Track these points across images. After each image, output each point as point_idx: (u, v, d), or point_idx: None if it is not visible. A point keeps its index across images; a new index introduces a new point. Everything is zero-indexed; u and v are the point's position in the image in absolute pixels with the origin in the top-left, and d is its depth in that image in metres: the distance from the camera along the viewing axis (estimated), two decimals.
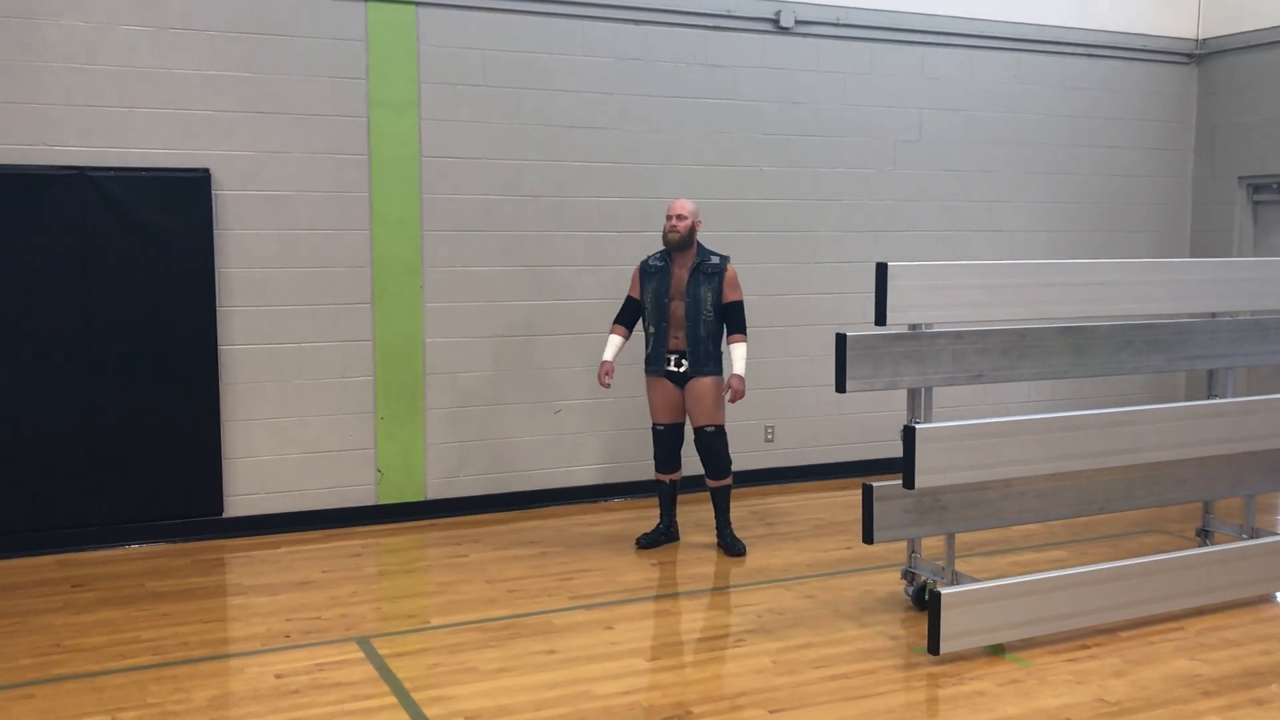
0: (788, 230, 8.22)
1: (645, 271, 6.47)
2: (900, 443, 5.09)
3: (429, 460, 7.29)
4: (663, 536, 6.66)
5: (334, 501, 7.10)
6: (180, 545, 6.64)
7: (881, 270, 5.02)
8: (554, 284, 7.55)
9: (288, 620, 5.36)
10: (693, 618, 5.42)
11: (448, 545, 6.73)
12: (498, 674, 4.72)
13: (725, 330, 6.41)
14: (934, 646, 4.85)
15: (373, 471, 7.17)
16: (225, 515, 6.85)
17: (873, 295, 8.33)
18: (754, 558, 6.42)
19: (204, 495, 6.75)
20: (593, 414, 7.64)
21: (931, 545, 5.90)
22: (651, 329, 6.44)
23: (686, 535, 6.83)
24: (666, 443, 6.54)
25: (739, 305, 6.39)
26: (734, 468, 8.07)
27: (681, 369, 6.38)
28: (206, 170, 6.64)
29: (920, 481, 4.85)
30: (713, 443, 6.42)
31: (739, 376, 6.33)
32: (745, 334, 6.40)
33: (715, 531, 6.68)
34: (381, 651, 4.97)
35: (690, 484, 7.13)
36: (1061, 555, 6.46)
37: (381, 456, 7.18)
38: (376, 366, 7.13)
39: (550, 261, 7.53)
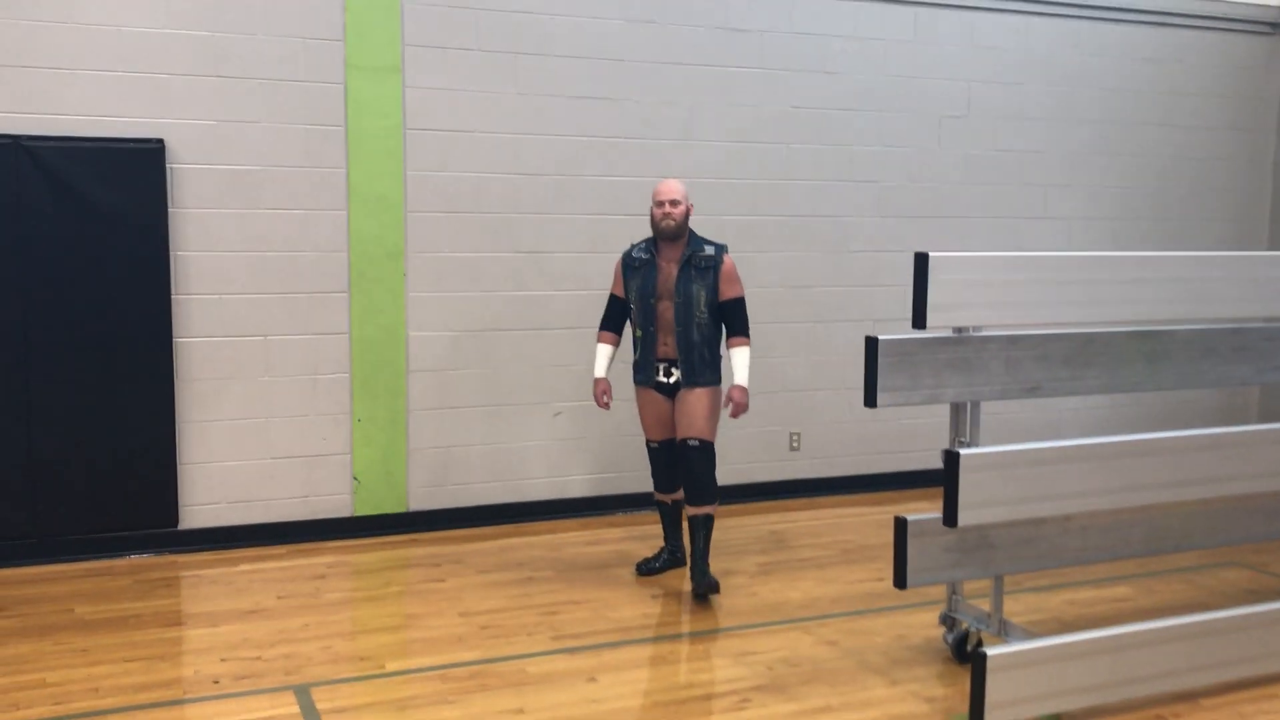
0: (818, 216, 7.38)
1: (628, 265, 5.56)
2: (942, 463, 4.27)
3: (411, 468, 6.54)
4: (666, 563, 5.85)
5: (304, 513, 6.37)
6: (130, 560, 5.94)
7: (921, 262, 4.20)
8: (552, 272, 6.76)
9: (222, 660, 4.63)
10: (692, 668, 4.63)
11: (425, 566, 5.97)
12: None
13: (724, 332, 5.54)
14: (977, 716, 4.02)
15: (348, 480, 6.43)
16: (181, 527, 6.13)
17: (912, 290, 7.54)
18: (770, 590, 5.61)
19: (157, 505, 6.04)
20: (594, 418, 6.83)
21: (977, 583, 5.05)
22: (638, 332, 5.55)
23: None
24: (664, 462, 5.69)
25: (740, 303, 5.49)
26: (754, 479, 7.38)
27: (672, 379, 5.51)
28: (160, 141, 5.91)
29: (964, 519, 4.02)
30: (696, 461, 5.45)
31: (741, 387, 5.43)
32: (748, 336, 5.52)
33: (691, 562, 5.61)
34: (320, 705, 4.21)
35: None
36: (1126, 592, 5.61)
37: (358, 463, 6.44)
38: (353, 362, 6.38)
39: (548, 247, 6.74)
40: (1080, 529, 4.67)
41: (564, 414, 6.85)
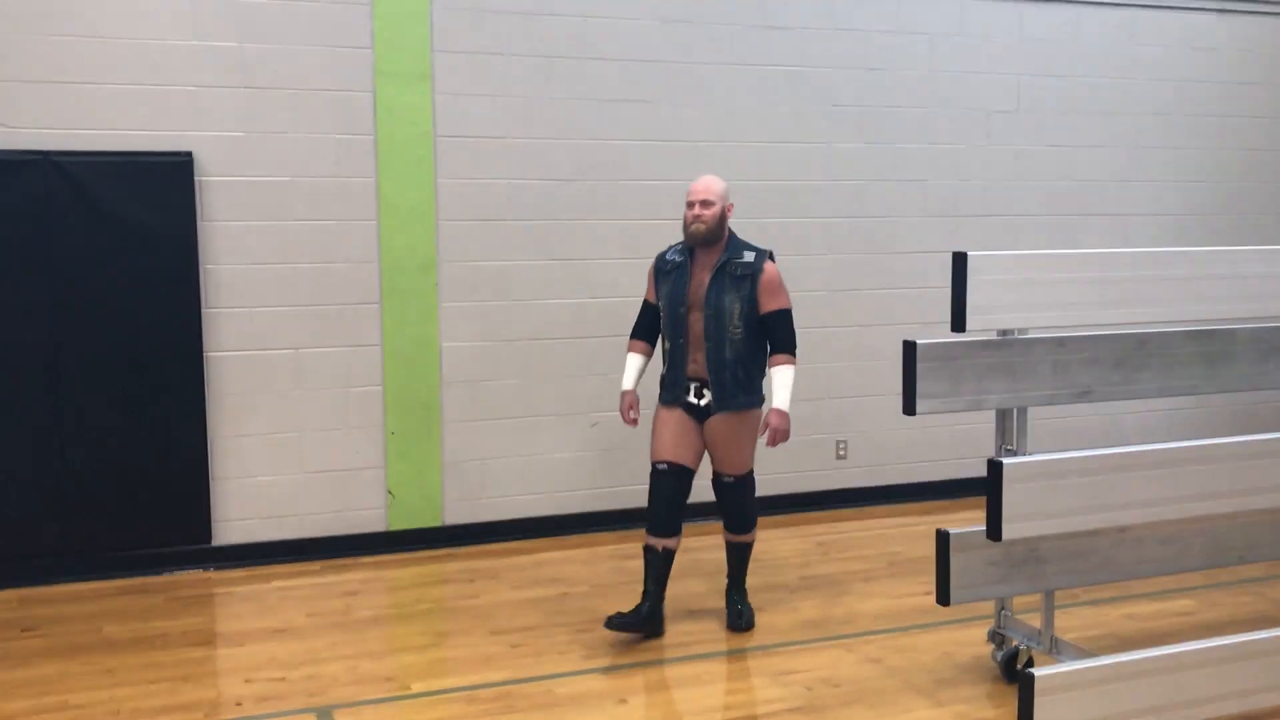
0: (862, 216, 7.16)
1: (660, 269, 5.03)
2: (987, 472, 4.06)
3: (445, 481, 6.42)
4: (641, 621, 4.86)
5: (338, 528, 6.27)
6: (162, 578, 5.88)
7: (960, 261, 4.00)
8: (588, 280, 6.61)
9: (246, 681, 4.53)
10: (727, 689, 4.44)
11: (459, 582, 5.85)
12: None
13: (767, 348, 4.94)
14: None
15: (382, 494, 6.33)
16: (214, 544, 6.07)
17: (951, 291, 7.30)
18: (813, 604, 5.40)
19: (189, 521, 5.98)
20: (634, 428, 6.66)
21: (1028, 597, 4.81)
22: (668, 345, 4.97)
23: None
24: (668, 492, 4.89)
25: (783, 316, 4.86)
26: (800, 488, 7.16)
27: (703, 402, 4.89)
28: (189, 154, 5.86)
29: (1009, 532, 3.81)
30: (734, 494, 5.02)
31: (780, 412, 4.81)
32: (793, 354, 4.87)
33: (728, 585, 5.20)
34: None
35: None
36: (1189, 606, 5.33)
37: (392, 477, 6.33)
38: (385, 375, 6.28)
39: (583, 254, 6.59)
40: (1136, 540, 4.42)
41: (601, 424, 6.70)
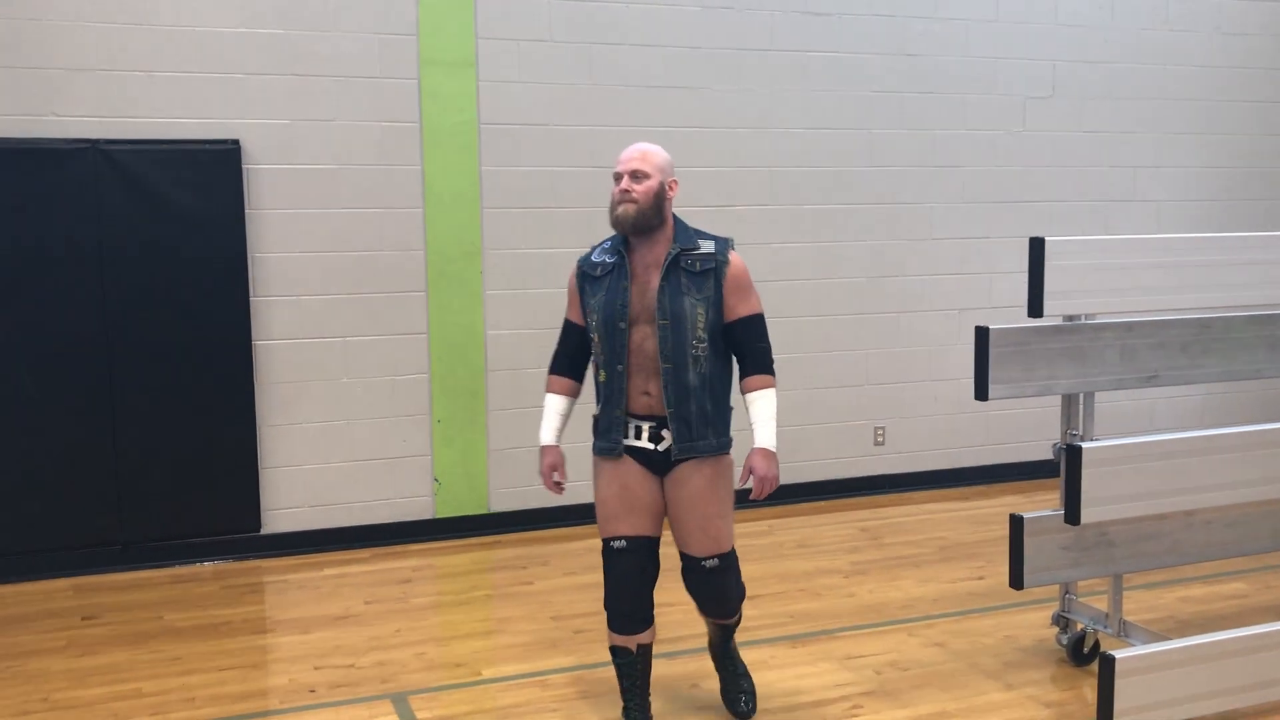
0: (899, 202, 7.17)
1: (586, 275, 3.73)
2: (1059, 459, 4.08)
3: (491, 468, 6.43)
4: None
5: (386, 515, 6.28)
6: (213, 566, 5.89)
7: (1037, 248, 4.00)
8: None
9: (316, 669, 4.54)
10: (797, 673, 4.46)
11: (512, 568, 5.86)
12: None
13: (736, 368, 3.74)
14: None
15: (429, 481, 6.34)
16: (263, 532, 6.07)
17: (1001, 276, 7.29)
18: (869, 590, 5.43)
19: (239, 510, 5.99)
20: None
21: (1086, 581, 4.84)
22: (601, 375, 3.68)
23: (793, 563, 5.86)
24: (634, 577, 3.66)
25: (757, 323, 3.67)
26: (839, 474, 7.19)
27: (661, 446, 3.63)
28: (236, 141, 5.84)
29: (1088, 515, 3.82)
30: (715, 581, 3.72)
31: (765, 452, 3.60)
32: (772, 372, 3.68)
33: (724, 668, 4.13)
34: (420, 715, 4.11)
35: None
36: (1242, 588, 5.36)
37: (438, 464, 6.34)
38: (432, 363, 6.28)
39: None
40: (1204, 524, 4.45)
41: None
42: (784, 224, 6.90)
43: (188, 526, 5.91)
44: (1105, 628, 4.42)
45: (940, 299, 7.28)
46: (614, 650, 3.78)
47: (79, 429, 5.69)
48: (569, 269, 3.87)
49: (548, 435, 3.83)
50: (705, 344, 3.59)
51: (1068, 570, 4.29)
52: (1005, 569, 5.27)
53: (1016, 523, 4.22)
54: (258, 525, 6.03)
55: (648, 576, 3.72)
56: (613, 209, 3.62)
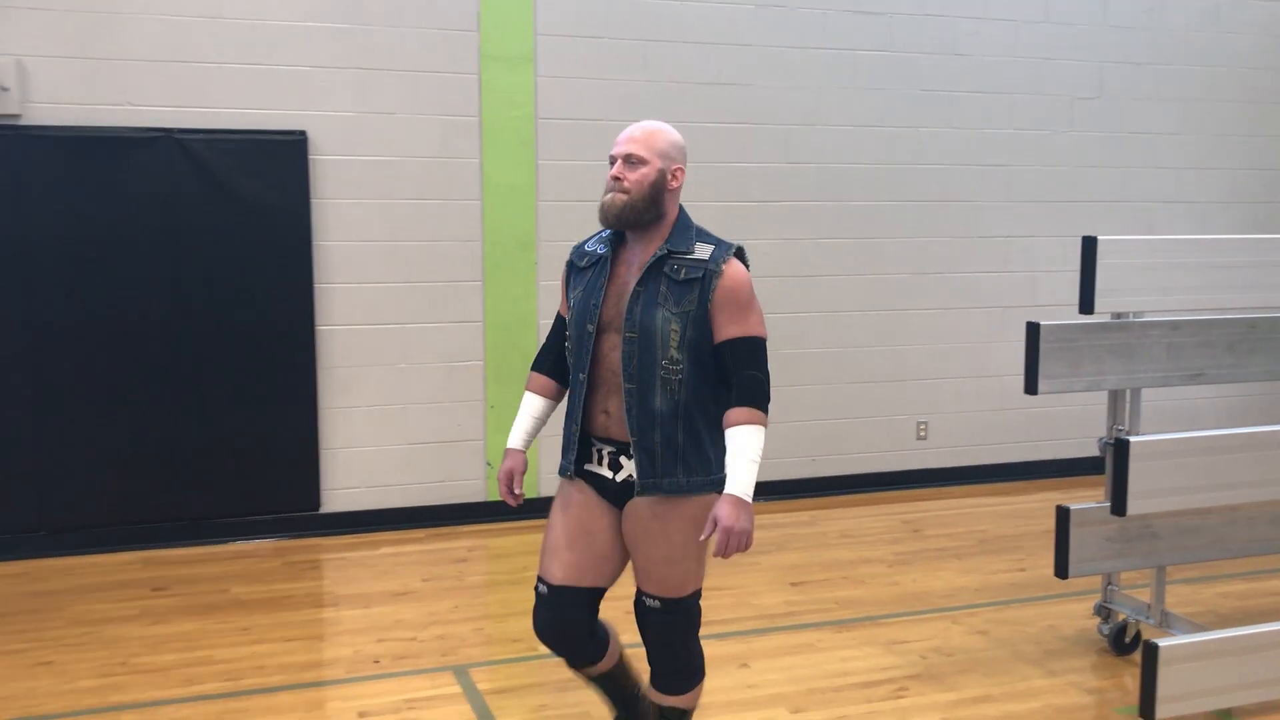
0: (946, 200, 7.27)
1: (573, 265, 3.28)
2: (1104, 453, 4.20)
3: (542, 453, 6.59)
4: None
5: (440, 497, 6.47)
6: (274, 543, 6.09)
7: (1089, 246, 4.11)
8: None
9: (379, 641, 4.72)
10: (843, 656, 4.60)
11: None
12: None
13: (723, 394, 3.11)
14: (1148, 710, 3.93)
15: (481, 465, 6.51)
16: (323, 511, 6.27)
17: (1044, 275, 7.38)
18: (911, 579, 5.56)
19: (300, 489, 6.19)
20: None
21: (1129, 572, 4.95)
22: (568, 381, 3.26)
23: (822, 553, 5.99)
24: (557, 630, 3.23)
25: (752, 348, 3.06)
26: (879, 468, 7.30)
27: (619, 476, 3.13)
28: (303, 133, 6.04)
29: (1134, 507, 3.93)
30: (662, 627, 3.20)
31: (735, 500, 2.94)
32: (762, 407, 3.02)
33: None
34: (481, 686, 4.28)
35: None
36: None
37: (491, 449, 6.52)
38: (486, 350, 6.45)
39: None
40: (1247, 520, 4.55)
41: None
42: (831, 220, 7.02)
43: (250, 504, 6.11)
44: (1147, 618, 4.53)
45: (984, 296, 7.38)
46: (584, 678, 3.40)
47: (149, 409, 5.90)
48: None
49: (515, 437, 3.35)
50: (681, 365, 3.01)
51: (1112, 561, 4.41)
52: (1046, 562, 5.43)
53: (1063, 513, 4.34)
54: (317, 504, 6.23)
55: (571, 629, 3.19)
56: (603, 201, 3.09)
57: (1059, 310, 6.88)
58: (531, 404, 3.37)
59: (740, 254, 3.12)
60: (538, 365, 3.38)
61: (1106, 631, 4.65)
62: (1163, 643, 3.90)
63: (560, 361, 3.30)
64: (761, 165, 6.84)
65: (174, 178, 5.85)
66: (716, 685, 4.28)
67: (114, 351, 5.84)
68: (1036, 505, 6.80)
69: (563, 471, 3.22)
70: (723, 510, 2.94)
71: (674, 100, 6.65)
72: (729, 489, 2.96)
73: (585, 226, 6.46)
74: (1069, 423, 7.54)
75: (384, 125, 6.18)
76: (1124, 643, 4.58)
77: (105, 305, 5.80)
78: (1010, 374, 7.25)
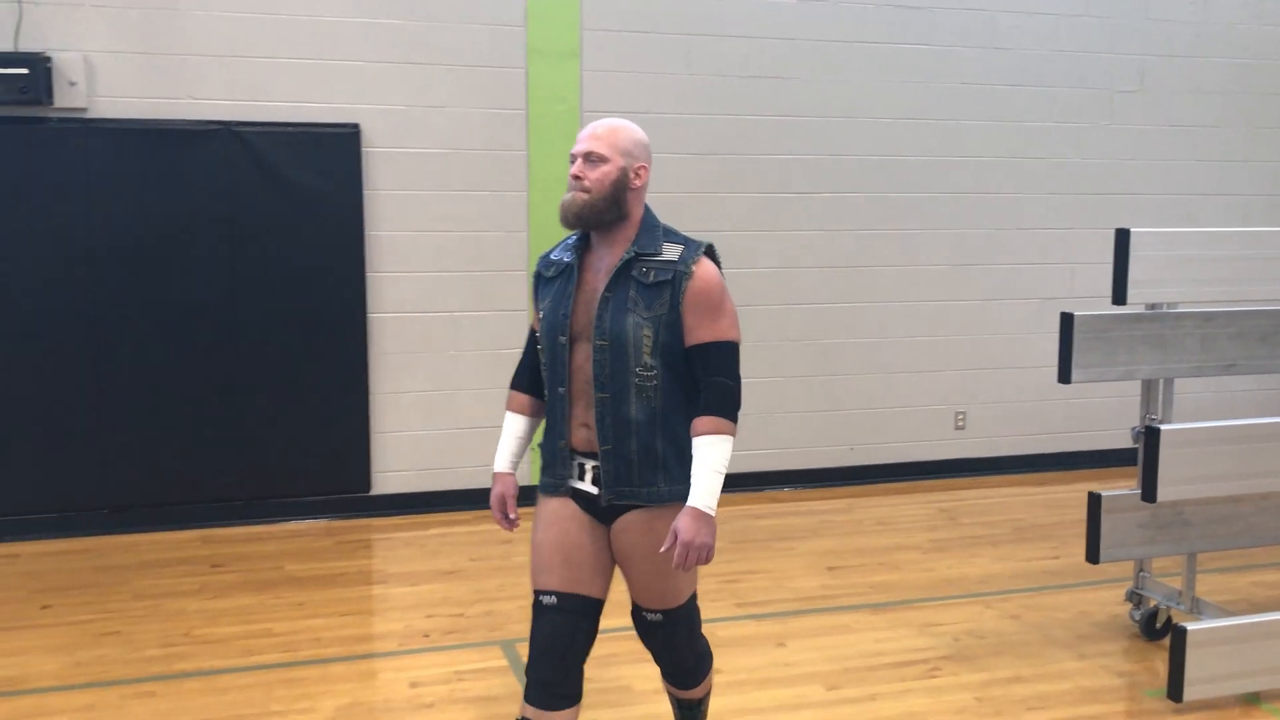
0: (986, 193, 7.34)
1: (539, 276, 3.14)
2: (1137, 443, 4.29)
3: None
4: None
5: (487, 481, 6.51)
6: (325, 523, 6.30)
7: (1123, 238, 4.20)
8: (719, 251, 6.86)
9: (428, 617, 4.91)
10: (877, 637, 4.72)
11: None
12: (655, 695, 4.14)
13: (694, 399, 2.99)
14: (1175, 692, 4.03)
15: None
16: (373, 493, 6.47)
17: (1083, 267, 7.43)
18: (946, 565, 5.66)
19: (351, 471, 6.39)
20: (759, 393, 6.97)
21: (1160, 560, 5.03)
22: (546, 396, 3.12)
23: (848, 543, 6.11)
24: (561, 641, 3.05)
25: (723, 352, 2.95)
26: (918, 457, 7.40)
27: (598, 490, 3.01)
28: (356, 126, 6.22)
29: (1164, 494, 4.02)
30: (665, 637, 3.21)
31: (695, 512, 2.86)
32: (730, 416, 2.94)
33: None
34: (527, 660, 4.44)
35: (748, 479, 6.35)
36: None
37: (535, 434, 6.66)
38: None
39: (716, 226, 6.85)
40: (1278, 508, 4.61)
41: None
42: (871, 212, 7.11)
43: (304, 485, 6.32)
44: (1178, 604, 4.61)
45: (1022, 288, 7.45)
46: None
47: (208, 393, 6.12)
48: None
49: (501, 461, 3.27)
50: (655, 371, 2.92)
51: (1143, 547, 4.49)
52: (1080, 550, 5.51)
53: (1094, 500, 4.43)
54: (367, 486, 6.43)
55: (579, 644, 3.06)
56: (564, 201, 2.97)
57: (1097, 302, 6.92)
58: (514, 424, 3.28)
59: (710, 252, 3.00)
60: (516, 384, 3.27)
61: (1138, 617, 4.74)
62: (1191, 626, 3.99)
63: (538, 377, 3.17)
64: (803, 158, 6.95)
65: (232, 169, 6.05)
66: (753, 663, 4.43)
67: (173, 337, 6.06)
68: (1072, 495, 6.87)
69: (549, 489, 3.10)
70: (683, 523, 2.86)
71: (716, 94, 6.77)
72: (691, 501, 2.88)
73: None
74: (1106, 414, 7.59)
75: (434, 118, 6.35)
76: (1155, 628, 4.66)
77: (165, 292, 6.02)
78: (1048, 365, 7.25)
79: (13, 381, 5.89)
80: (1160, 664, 4.41)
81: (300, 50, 6.14)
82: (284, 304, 6.19)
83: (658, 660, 3.31)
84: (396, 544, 5.98)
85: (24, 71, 5.64)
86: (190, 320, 6.07)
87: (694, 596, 3.22)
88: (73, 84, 5.81)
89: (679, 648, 3.23)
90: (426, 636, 4.69)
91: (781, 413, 7.04)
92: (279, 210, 6.14)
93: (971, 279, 7.37)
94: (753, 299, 6.87)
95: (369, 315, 6.34)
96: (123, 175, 5.92)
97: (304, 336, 6.23)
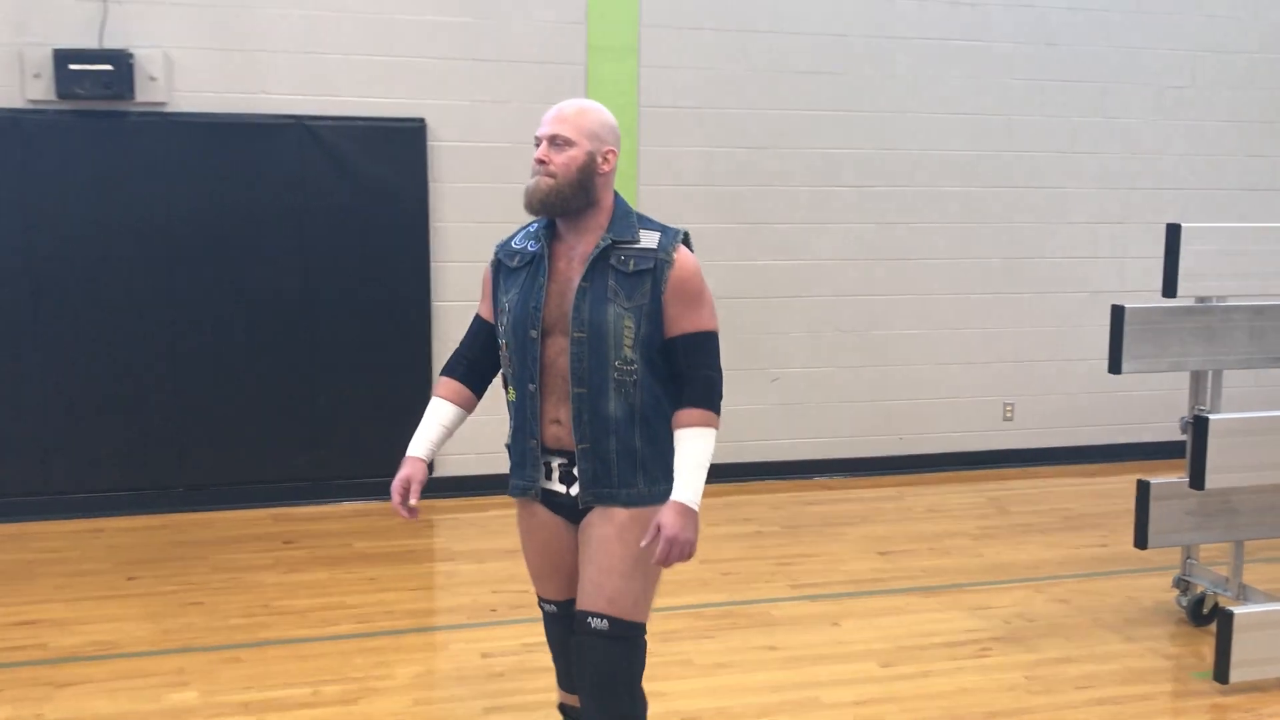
0: (1036, 186, 7.43)
1: (502, 266, 2.99)
2: (1186, 433, 4.40)
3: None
4: None
5: None
6: (389, 503, 6.50)
7: (1174, 233, 4.32)
8: (774, 243, 7.04)
9: (494, 593, 5.11)
10: (930, 618, 4.87)
11: None
12: (715, 669, 4.32)
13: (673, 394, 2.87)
14: (1222, 674, 4.15)
15: None
16: (435, 475, 6.66)
17: (1132, 260, 7.51)
18: (996, 551, 5.80)
19: None
20: (812, 383, 7.13)
21: (1207, 549, 5.13)
22: (511, 394, 2.99)
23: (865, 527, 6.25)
24: (567, 644, 2.97)
25: (704, 342, 2.84)
26: (966, 447, 7.52)
27: (572, 489, 2.89)
28: (422, 120, 6.43)
29: (1211, 482, 4.15)
30: (612, 661, 2.83)
31: (680, 507, 2.74)
32: (714, 408, 2.84)
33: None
34: None
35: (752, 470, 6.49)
36: None
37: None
38: None
39: (770, 218, 7.02)
40: None
41: (782, 379, 7.14)
42: (923, 205, 7.24)
43: (368, 467, 6.54)
44: (1225, 590, 4.72)
45: (1072, 281, 7.54)
46: (563, 710, 3.13)
47: (278, 377, 6.36)
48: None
49: (417, 445, 3.10)
50: (635, 365, 2.79)
51: (1190, 534, 4.61)
52: (1128, 538, 5.59)
53: (1143, 487, 4.56)
54: (430, 468, 6.63)
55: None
56: (529, 188, 2.85)
57: (1146, 296, 6.97)
58: (441, 410, 3.09)
59: (686, 239, 2.87)
60: (449, 370, 3.10)
61: (1185, 603, 4.86)
62: (1238, 610, 4.11)
63: (477, 369, 3.08)
64: (855, 151, 7.08)
65: (303, 162, 6.28)
66: (809, 640, 4.60)
67: (246, 323, 6.30)
68: (1119, 486, 6.96)
69: (519, 491, 2.97)
70: (666, 518, 2.73)
71: (772, 89, 6.92)
72: (676, 495, 2.75)
73: (684, 211, 6.85)
74: (1153, 407, 7.66)
75: (497, 113, 6.55)
76: (1201, 614, 4.77)
77: (240, 279, 6.27)
78: (1096, 358, 7.36)
79: (97, 365, 6.16)
80: (1206, 648, 4.53)
81: (369, 47, 6.35)
82: (351, 292, 6.42)
83: (585, 707, 2.86)
84: (459, 524, 6.19)
85: (109, 68, 5.89)
86: (262, 307, 6.31)
87: (643, 629, 2.88)
88: (153, 79, 6.05)
89: (616, 682, 2.81)
90: (494, 611, 4.89)
91: (832, 402, 7.19)
92: (348, 201, 6.36)
93: (1021, 272, 7.47)
94: (806, 290, 7.03)
95: (433, 303, 6.55)
96: (200, 167, 6.16)
97: (371, 323, 6.45)
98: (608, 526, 2.83)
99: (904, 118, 7.14)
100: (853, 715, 3.96)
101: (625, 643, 2.82)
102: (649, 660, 2.93)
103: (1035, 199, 7.43)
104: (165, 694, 4.06)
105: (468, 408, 3.12)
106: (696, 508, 2.76)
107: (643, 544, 2.76)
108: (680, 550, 2.75)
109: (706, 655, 4.43)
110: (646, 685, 2.92)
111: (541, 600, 3.08)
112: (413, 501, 3.05)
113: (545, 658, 3.26)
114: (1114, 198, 7.56)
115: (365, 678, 4.21)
